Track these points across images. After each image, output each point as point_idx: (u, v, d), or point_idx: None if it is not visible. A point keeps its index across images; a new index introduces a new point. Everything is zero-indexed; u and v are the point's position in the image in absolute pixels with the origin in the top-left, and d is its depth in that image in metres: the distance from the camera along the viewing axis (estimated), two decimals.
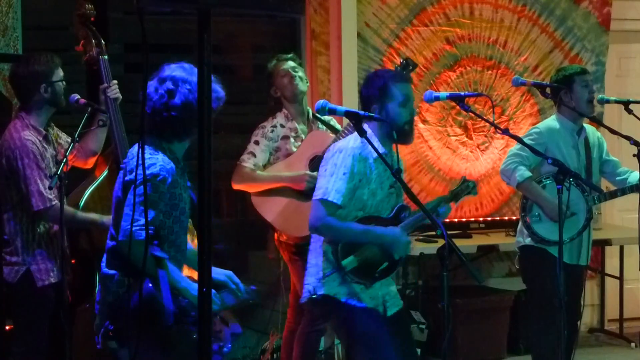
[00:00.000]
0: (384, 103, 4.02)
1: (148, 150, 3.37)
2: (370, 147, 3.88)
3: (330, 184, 3.91)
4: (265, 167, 5.08)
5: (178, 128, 3.39)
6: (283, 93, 5.15)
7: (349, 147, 3.96)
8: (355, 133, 3.79)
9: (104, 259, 3.53)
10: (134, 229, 3.22)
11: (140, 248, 3.10)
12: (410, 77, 4.21)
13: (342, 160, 3.93)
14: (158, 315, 3.28)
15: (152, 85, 3.40)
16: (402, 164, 4.00)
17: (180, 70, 3.41)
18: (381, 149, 3.97)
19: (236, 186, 5.08)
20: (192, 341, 3.29)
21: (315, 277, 4.03)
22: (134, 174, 3.27)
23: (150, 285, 3.29)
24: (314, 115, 5.24)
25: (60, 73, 4.45)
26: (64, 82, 4.47)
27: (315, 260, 4.06)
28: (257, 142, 5.09)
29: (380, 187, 4.01)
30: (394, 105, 4.02)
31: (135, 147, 3.33)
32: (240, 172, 5.05)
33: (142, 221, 3.18)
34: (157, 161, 3.36)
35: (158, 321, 3.28)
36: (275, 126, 5.11)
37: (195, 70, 3.07)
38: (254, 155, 5.04)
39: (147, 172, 3.27)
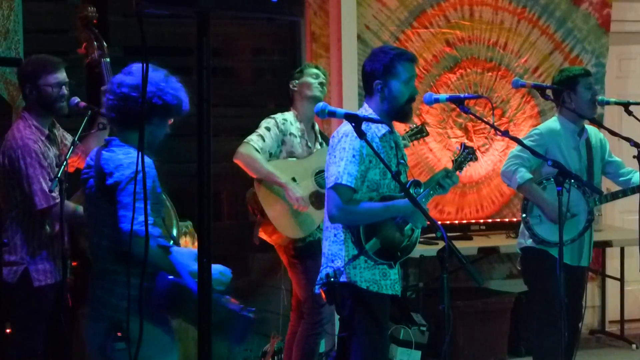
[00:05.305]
0: (387, 80, 4.00)
1: (123, 149, 3.37)
2: (373, 127, 3.90)
3: (342, 168, 3.88)
4: (271, 156, 5.06)
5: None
6: (304, 89, 5.13)
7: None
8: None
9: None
10: (140, 227, 3.20)
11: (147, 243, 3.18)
12: (416, 57, 4.17)
13: (349, 143, 3.90)
14: (191, 299, 3.28)
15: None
16: (401, 139, 4.13)
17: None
18: (384, 129, 3.98)
19: (236, 160, 5.00)
20: (226, 309, 3.39)
21: (334, 264, 3.96)
22: (115, 176, 3.27)
23: (170, 277, 3.33)
24: (320, 132, 5.27)
25: (53, 79, 4.39)
26: (63, 87, 4.42)
27: (333, 248, 4.00)
28: (268, 129, 5.04)
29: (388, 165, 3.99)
30: (397, 83, 4.01)
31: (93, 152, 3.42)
32: (245, 148, 4.97)
33: (141, 218, 3.16)
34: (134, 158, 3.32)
35: (193, 304, 3.33)
36: (286, 120, 5.10)
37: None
38: (263, 140, 4.99)
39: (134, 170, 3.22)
